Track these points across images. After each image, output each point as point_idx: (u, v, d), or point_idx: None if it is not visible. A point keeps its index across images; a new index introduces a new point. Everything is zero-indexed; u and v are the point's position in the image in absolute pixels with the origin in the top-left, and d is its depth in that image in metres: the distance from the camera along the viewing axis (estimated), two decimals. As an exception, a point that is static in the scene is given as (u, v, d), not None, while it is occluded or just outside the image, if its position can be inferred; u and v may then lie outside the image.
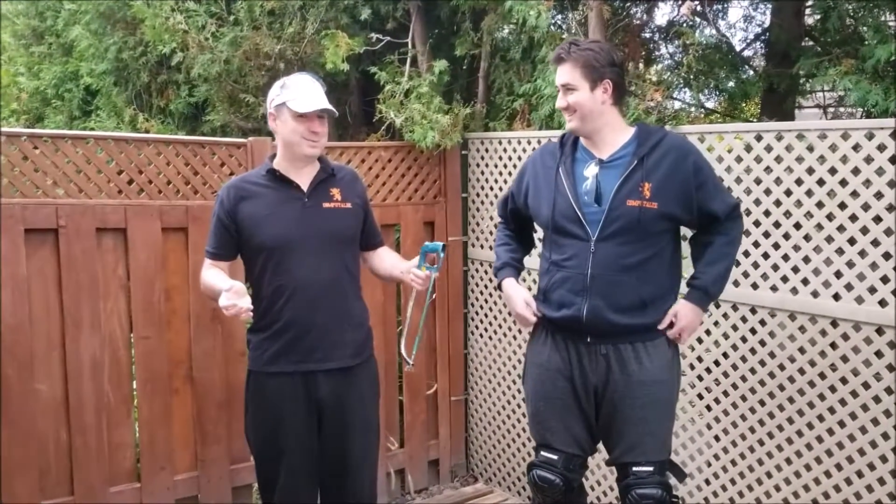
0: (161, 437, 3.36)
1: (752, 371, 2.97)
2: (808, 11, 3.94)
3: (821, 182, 2.72)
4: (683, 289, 2.57)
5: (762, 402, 2.95)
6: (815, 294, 2.77)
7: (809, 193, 2.76)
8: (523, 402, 3.28)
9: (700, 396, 3.16)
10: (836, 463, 2.77)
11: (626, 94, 2.93)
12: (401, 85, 3.94)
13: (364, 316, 2.81)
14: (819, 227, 2.74)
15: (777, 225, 2.86)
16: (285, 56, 4.12)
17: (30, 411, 3.07)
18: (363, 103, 4.59)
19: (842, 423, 2.74)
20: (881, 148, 2.57)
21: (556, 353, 2.57)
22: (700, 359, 3.14)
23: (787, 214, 2.83)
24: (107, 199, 3.21)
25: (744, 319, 2.98)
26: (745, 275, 2.95)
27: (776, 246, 2.87)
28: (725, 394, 3.07)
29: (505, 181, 3.85)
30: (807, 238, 2.78)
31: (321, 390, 2.68)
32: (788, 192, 2.81)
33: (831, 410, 2.77)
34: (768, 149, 2.85)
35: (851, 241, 2.66)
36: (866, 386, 2.68)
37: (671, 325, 2.51)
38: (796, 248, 2.82)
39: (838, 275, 2.71)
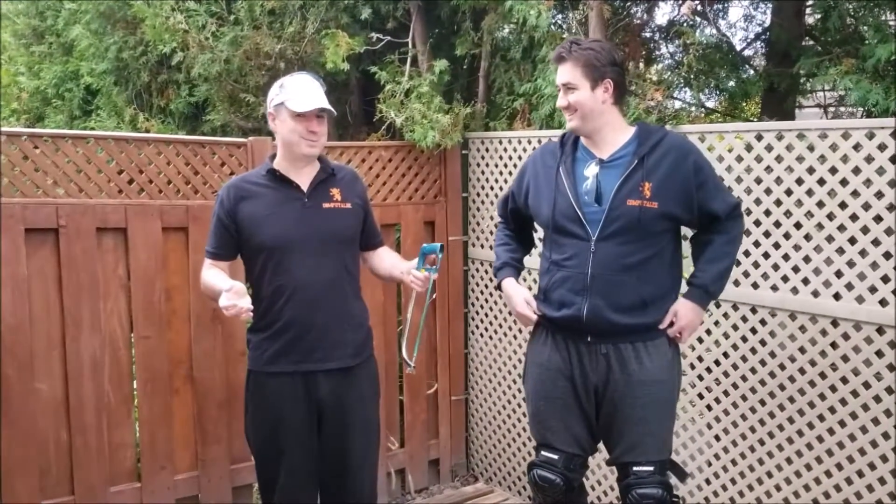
0: (161, 436, 3.36)
1: (753, 371, 2.97)
2: (808, 11, 3.94)
3: (821, 181, 2.72)
4: (684, 288, 2.57)
5: (762, 402, 2.95)
6: (815, 293, 2.77)
7: (810, 193, 2.76)
8: (524, 401, 3.28)
9: (700, 396, 3.16)
10: (836, 462, 2.76)
11: (626, 93, 2.93)
12: (401, 84, 3.93)
13: (364, 316, 2.81)
14: (820, 226, 2.74)
15: (778, 224, 2.86)
16: (286, 56, 4.12)
17: (30, 411, 3.07)
18: (363, 103, 4.59)
19: (842, 423, 2.74)
20: (882, 147, 2.57)
21: (556, 352, 2.57)
22: (700, 358, 3.14)
23: (788, 214, 2.83)
24: (107, 199, 3.21)
25: (744, 319, 2.98)
26: (746, 274, 2.95)
27: (777, 245, 2.87)
28: (726, 393, 3.07)
29: (505, 181, 3.85)
30: (807, 237, 2.78)
31: (321, 390, 2.68)
32: (789, 192, 2.81)
33: (832, 410, 2.77)
34: (769, 148, 2.85)
35: (852, 241, 2.66)
36: (867, 385, 2.68)
37: (671, 324, 2.51)
38: (797, 247, 2.82)
39: (839, 274, 2.70)
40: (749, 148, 2.91)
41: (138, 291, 3.27)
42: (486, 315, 4.07)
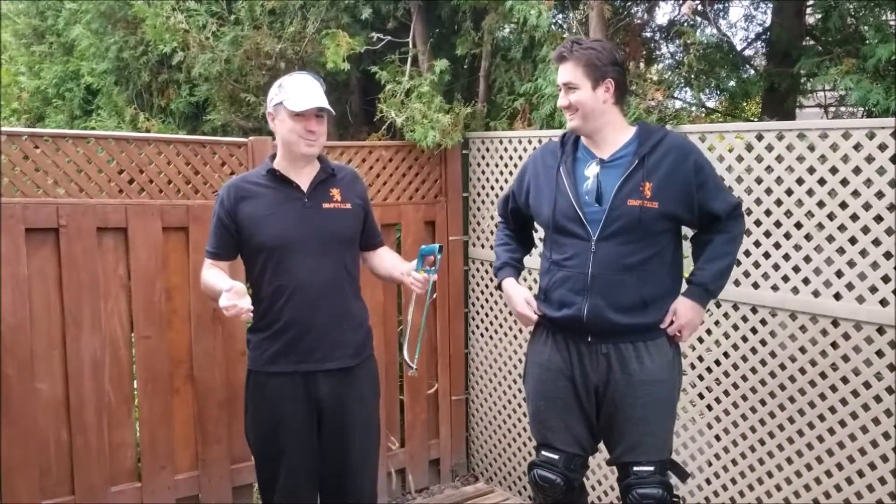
0: (162, 436, 3.36)
1: (753, 370, 2.97)
2: (808, 11, 3.94)
3: (822, 181, 2.72)
4: (684, 287, 2.57)
5: (763, 402, 2.95)
6: (816, 293, 2.77)
7: (810, 193, 2.76)
8: (524, 401, 3.28)
9: (701, 396, 3.16)
10: (836, 462, 2.76)
11: (627, 93, 2.92)
12: (402, 84, 3.93)
13: (364, 316, 2.81)
14: (820, 226, 2.74)
15: (778, 224, 2.86)
16: (286, 55, 4.12)
17: (30, 411, 3.07)
18: (364, 103, 4.59)
19: (843, 423, 2.74)
20: (882, 147, 2.57)
21: (556, 352, 2.57)
22: (701, 358, 3.14)
23: (788, 214, 2.83)
24: (107, 199, 3.21)
25: (745, 319, 2.98)
26: (746, 274, 2.95)
27: (777, 245, 2.87)
28: (726, 393, 3.06)
29: (506, 180, 3.85)
30: (808, 237, 2.78)
31: (321, 390, 2.68)
32: (789, 192, 2.81)
33: (832, 410, 2.77)
34: (769, 148, 2.85)
35: (852, 241, 2.66)
36: (867, 385, 2.68)
37: (672, 322, 2.51)
38: (797, 247, 2.82)
39: (839, 274, 2.70)
40: (749, 148, 2.91)
41: (139, 291, 3.27)
42: (487, 315, 4.07)
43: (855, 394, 2.71)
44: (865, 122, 2.67)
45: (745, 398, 3.00)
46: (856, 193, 2.64)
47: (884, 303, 2.61)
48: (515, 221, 2.82)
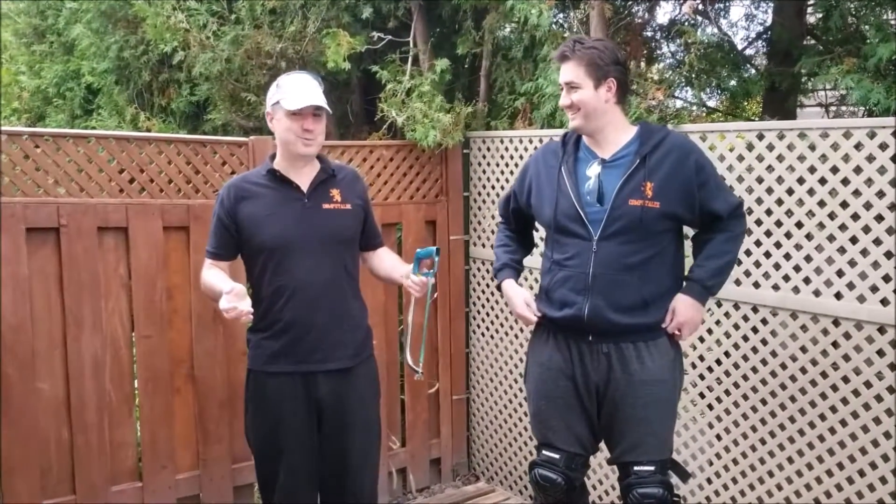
0: (163, 436, 3.36)
1: (754, 370, 2.97)
2: (809, 10, 3.94)
3: (822, 181, 2.72)
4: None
5: (764, 401, 2.95)
6: (816, 293, 2.77)
7: (811, 192, 2.75)
8: (525, 400, 3.28)
9: (701, 395, 3.16)
10: (837, 462, 2.76)
11: (629, 92, 2.92)
12: (402, 84, 3.93)
13: (363, 315, 2.81)
14: (821, 225, 2.74)
15: (779, 223, 2.86)
16: (287, 55, 4.12)
17: (31, 410, 3.07)
18: (365, 102, 4.59)
19: (843, 422, 2.74)
20: (883, 147, 2.57)
21: (557, 352, 2.57)
22: (702, 357, 3.14)
23: (789, 213, 2.83)
24: (108, 198, 3.21)
25: (745, 318, 2.98)
26: (747, 273, 2.95)
27: (778, 245, 2.87)
28: (727, 392, 3.06)
29: (507, 180, 3.85)
30: (808, 237, 2.78)
31: (321, 390, 2.68)
32: (790, 191, 2.81)
33: (833, 409, 2.77)
34: (770, 147, 2.85)
35: (853, 240, 2.66)
36: (868, 385, 2.68)
37: (671, 321, 2.51)
38: (798, 246, 2.82)
39: (840, 273, 2.70)
40: (750, 147, 2.90)
41: (139, 291, 3.27)
42: (488, 314, 4.07)
43: (856, 393, 2.71)
44: (866, 122, 2.67)
45: (745, 397, 3.00)
46: (857, 193, 2.64)
47: (884, 302, 2.61)
48: (516, 222, 2.81)
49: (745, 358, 2.99)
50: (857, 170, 2.63)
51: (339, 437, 2.72)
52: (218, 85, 4.42)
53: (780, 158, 2.82)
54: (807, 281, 2.79)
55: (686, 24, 3.74)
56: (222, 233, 2.69)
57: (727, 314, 3.03)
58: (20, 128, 4.47)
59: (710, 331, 3.10)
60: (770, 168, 2.85)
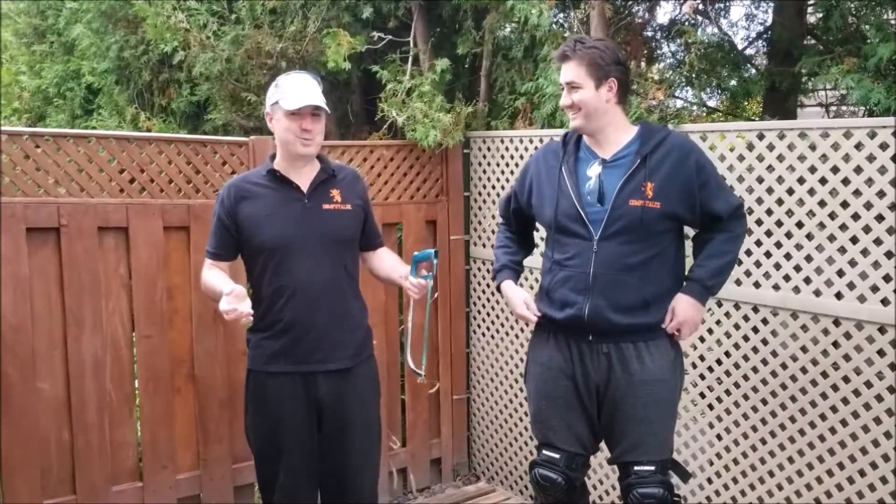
0: (163, 436, 3.36)
1: (754, 370, 2.97)
2: (810, 10, 3.94)
3: (823, 180, 2.72)
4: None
5: (764, 401, 2.95)
6: (817, 293, 2.77)
7: (811, 192, 2.75)
8: (525, 400, 3.28)
9: (702, 395, 3.15)
10: (837, 462, 2.76)
11: (629, 92, 2.92)
12: (403, 83, 3.93)
13: (363, 315, 2.81)
14: (821, 225, 2.74)
15: (779, 223, 2.86)
16: (287, 55, 4.12)
17: (32, 410, 3.07)
18: (365, 102, 4.59)
19: (844, 422, 2.74)
20: (883, 146, 2.57)
21: (557, 352, 2.57)
22: (702, 357, 3.14)
23: (790, 213, 2.83)
24: (108, 198, 3.21)
25: (746, 318, 2.98)
26: (748, 273, 2.95)
27: (778, 244, 2.87)
28: (727, 392, 3.06)
29: (507, 180, 3.85)
30: (809, 237, 2.78)
31: (321, 390, 2.68)
32: (791, 191, 2.81)
33: (833, 409, 2.77)
34: (770, 147, 2.85)
35: (854, 240, 2.66)
36: (868, 385, 2.68)
37: (671, 320, 2.50)
38: (798, 246, 2.82)
39: (840, 273, 2.70)
40: (751, 147, 2.90)
41: (140, 291, 3.27)
42: (488, 314, 4.07)
43: (856, 393, 2.71)
44: (866, 122, 2.67)
45: (746, 397, 3.00)
46: (857, 192, 2.64)
47: (885, 302, 2.61)
48: (517, 222, 2.81)
49: (746, 358, 2.99)
50: (858, 170, 2.63)
51: (339, 437, 2.72)
52: (218, 85, 4.42)
53: (781, 158, 2.82)
54: (807, 281, 2.79)
55: (686, 23, 3.75)
56: (222, 233, 2.69)
57: (728, 314, 3.03)
58: (20, 128, 4.48)
59: (710, 331, 3.10)
60: (770, 168, 2.85)
